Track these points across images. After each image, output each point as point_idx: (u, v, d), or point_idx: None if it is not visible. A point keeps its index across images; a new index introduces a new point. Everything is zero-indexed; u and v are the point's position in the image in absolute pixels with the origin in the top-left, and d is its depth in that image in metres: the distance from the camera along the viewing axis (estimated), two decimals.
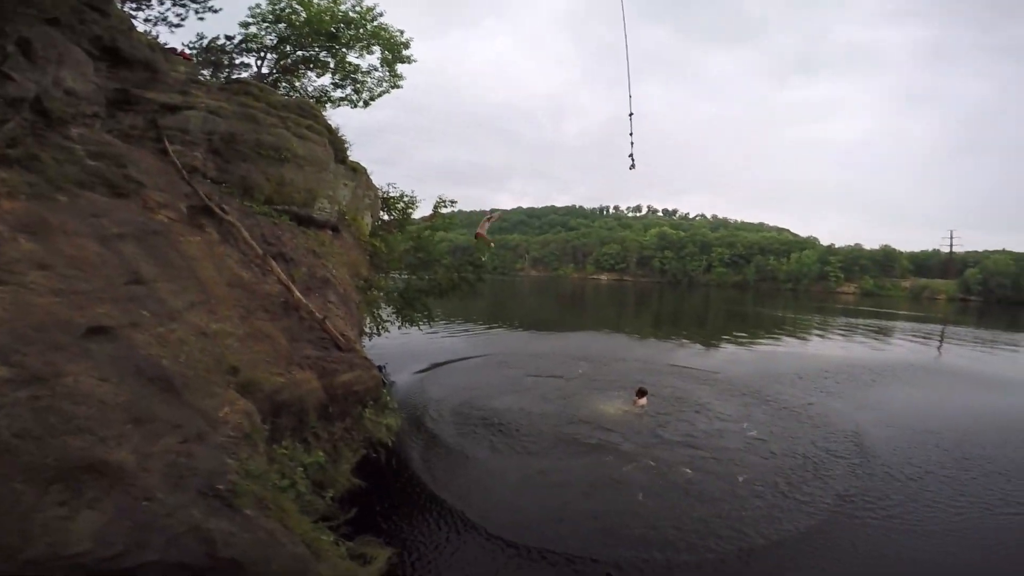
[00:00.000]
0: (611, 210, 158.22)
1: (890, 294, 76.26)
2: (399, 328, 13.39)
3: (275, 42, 13.31)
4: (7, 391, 2.58)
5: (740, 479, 7.47)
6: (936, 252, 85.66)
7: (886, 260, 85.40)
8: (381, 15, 13.54)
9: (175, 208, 5.51)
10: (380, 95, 14.70)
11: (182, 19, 11.58)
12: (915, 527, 6.37)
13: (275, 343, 5.16)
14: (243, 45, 13.21)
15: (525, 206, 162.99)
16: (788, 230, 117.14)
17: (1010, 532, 6.39)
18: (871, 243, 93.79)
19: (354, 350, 6.23)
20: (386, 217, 13.66)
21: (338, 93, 14.37)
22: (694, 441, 8.99)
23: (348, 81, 14.22)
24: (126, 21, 6.76)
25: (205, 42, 13.02)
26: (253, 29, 13.04)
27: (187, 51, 11.50)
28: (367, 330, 11.26)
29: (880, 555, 5.74)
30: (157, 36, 10.20)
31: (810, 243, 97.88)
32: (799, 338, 26.17)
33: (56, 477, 2.45)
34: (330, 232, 8.89)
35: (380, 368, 8.13)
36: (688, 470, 7.73)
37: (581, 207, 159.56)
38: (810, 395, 12.74)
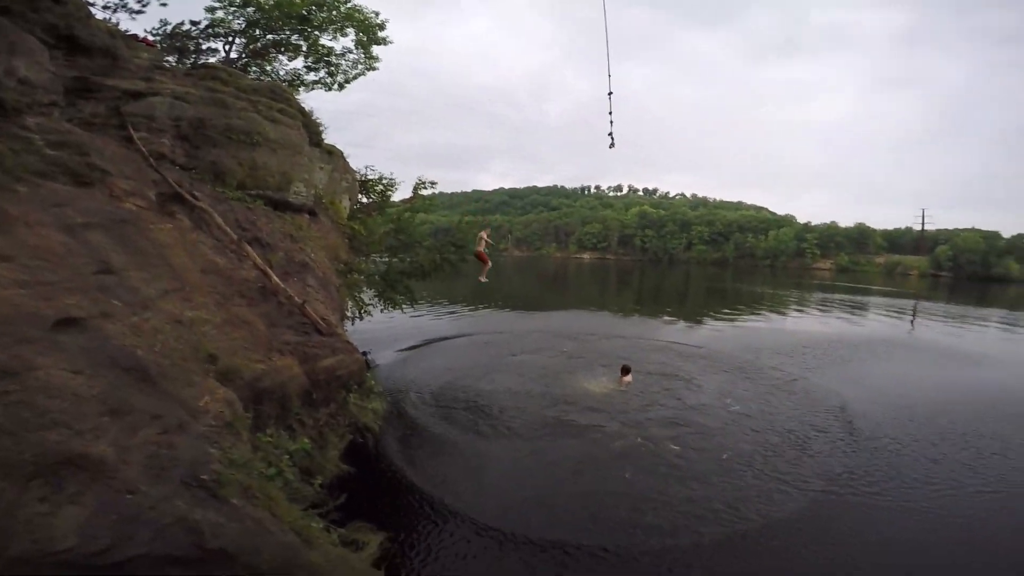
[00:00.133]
0: (592, 190, 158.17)
1: (864, 270, 78.20)
2: (381, 311, 13.29)
3: (243, 26, 12.77)
4: None
5: (724, 456, 7.59)
6: (908, 230, 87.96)
7: (861, 237, 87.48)
8: None
9: (143, 196, 5.33)
10: (355, 78, 14.33)
11: (143, 5, 11.02)
12: (896, 505, 6.44)
13: (254, 329, 5.08)
14: (209, 30, 12.65)
15: (507, 187, 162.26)
16: (766, 209, 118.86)
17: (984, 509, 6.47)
18: (846, 221, 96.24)
19: (336, 334, 6.17)
20: (365, 200, 13.47)
21: (311, 76, 13.98)
22: (679, 418, 9.12)
23: (322, 64, 13.80)
24: (83, 8, 6.47)
25: (169, 28, 12.44)
26: (220, 13, 12.47)
27: (150, 38, 11.02)
28: (349, 314, 11.16)
29: (863, 534, 5.82)
30: (117, 23, 9.70)
31: (787, 221, 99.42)
32: (778, 313, 26.76)
33: (35, 473, 2.39)
34: (307, 216, 8.71)
35: (364, 353, 8.05)
36: (675, 447, 7.84)
37: (563, 187, 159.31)
38: (791, 370, 13.04)
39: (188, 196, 5.94)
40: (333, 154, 10.69)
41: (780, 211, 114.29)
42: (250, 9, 12.43)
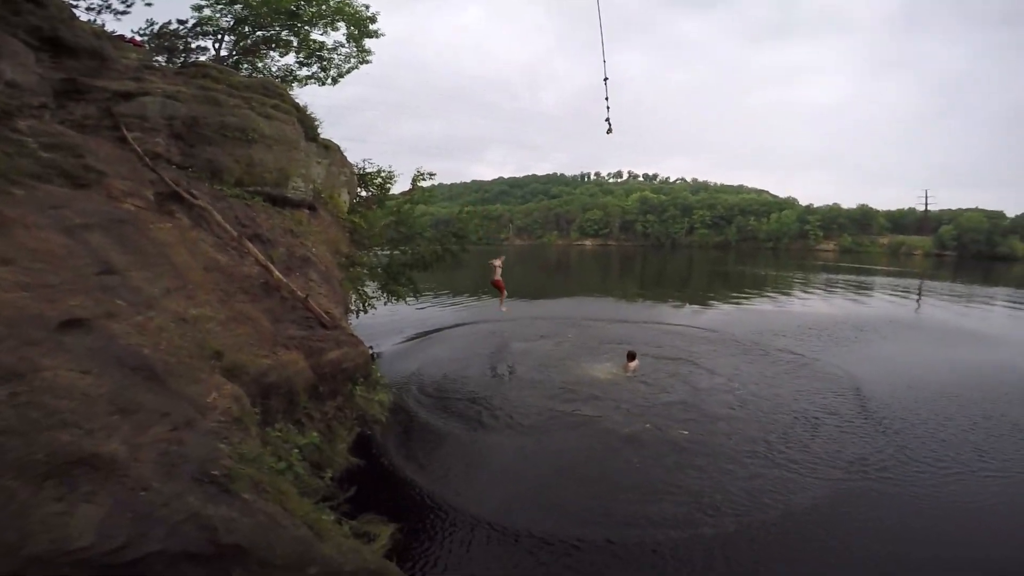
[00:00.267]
0: (592, 177, 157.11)
1: (868, 251, 77.78)
2: (385, 304, 13.32)
3: (232, 23, 12.60)
4: None
5: (734, 442, 7.47)
6: (912, 210, 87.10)
7: (864, 218, 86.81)
8: None
9: (141, 196, 5.33)
10: (348, 71, 14.18)
11: (128, 5, 10.85)
12: (908, 492, 6.28)
13: (258, 325, 5.09)
14: (198, 28, 12.49)
15: (506, 176, 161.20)
16: (767, 191, 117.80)
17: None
18: (848, 203, 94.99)
19: (340, 327, 6.19)
20: (364, 193, 13.42)
21: (304, 71, 13.82)
22: (687, 403, 9.06)
23: (314, 59, 13.64)
24: (66, 10, 6.42)
25: (156, 28, 12.30)
26: (207, 11, 12.30)
27: (137, 38, 10.90)
28: (353, 307, 11.18)
29: (880, 522, 5.64)
30: (103, 25, 9.60)
31: (789, 203, 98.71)
32: (783, 295, 26.71)
33: (48, 473, 2.41)
34: (307, 211, 8.70)
35: (370, 348, 8.05)
36: (684, 431, 7.79)
37: (562, 175, 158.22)
38: (799, 352, 12.98)
39: (186, 195, 5.94)
40: (330, 148, 10.63)
41: (782, 194, 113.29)
42: (238, 6, 12.27)
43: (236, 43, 12.97)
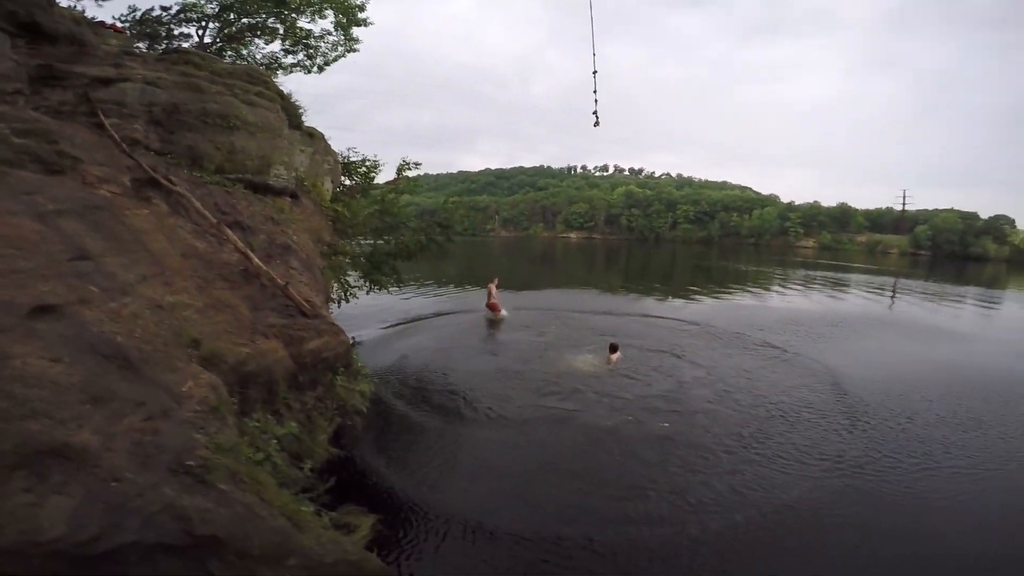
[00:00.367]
0: (579, 170, 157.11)
1: (846, 248, 79.42)
2: (368, 293, 13.22)
3: (217, 10, 12.30)
4: None
5: (715, 436, 7.56)
6: (889, 210, 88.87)
7: (843, 216, 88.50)
8: None
9: (118, 182, 5.21)
10: (335, 60, 13.97)
11: None
12: (880, 489, 6.36)
13: (237, 313, 5.02)
14: (181, 15, 12.17)
15: (493, 167, 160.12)
16: (750, 188, 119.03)
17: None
18: (829, 201, 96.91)
19: (321, 316, 6.13)
20: (348, 182, 13.27)
21: (289, 59, 13.61)
22: (669, 397, 9.17)
23: (300, 47, 13.41)
24: None
25: (138, 14, 11.95)
26: None
27: (118, 24, 10.58)
28: (334, 297, 11.08)
29: (854, 518, 5.69)
30: (83, 11, 9.29)
31: (771, 200, 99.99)
32: (763, 290, 27.19)
33: (18, 464, 2.36)
34: (289, 199, 8.57)
35: (352, 338, 7.98)
36: (665, 423, 7.91)
37: (549, 167, 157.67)
38: (778, 346, 13.25)
39: (164, 181, 5.82)
40: (314, 136, 10.48)
41: (764, 191, 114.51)
42: None
43: (220, 30, 12.69)
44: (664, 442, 7.39)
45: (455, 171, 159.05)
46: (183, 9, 12.09)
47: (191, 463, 2.95)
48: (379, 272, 12.59)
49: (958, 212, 77.06)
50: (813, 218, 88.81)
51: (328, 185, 11.19)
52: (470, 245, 63.60)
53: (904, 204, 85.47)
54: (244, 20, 12.66)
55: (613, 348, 11.30)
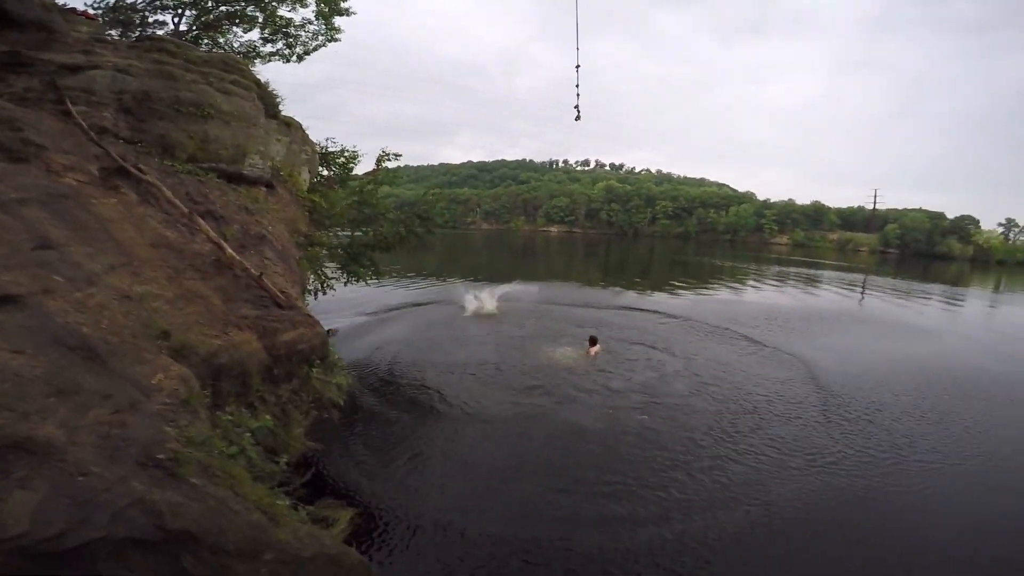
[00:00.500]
0: (560, 164, 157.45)
1: (819, 246, 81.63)
2: (345, 284, 13.07)
3: None
4: None
5: (689, 429, 7.67)
6: (861, 208, 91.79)
7: (816, 214, 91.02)
8: None
9: (84, 170, 5.05)
10: (316, 49, 13.63)
11: None
12: (853, 484, 6.50)
13: (209, 304, 4.92)
14: (156, 2, 11.74)
15: (475, 160, 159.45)
16: (728, 185, 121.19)
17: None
18: (803, 199, 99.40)
19: (296, 307, 6.05)
20: (326, 173, 13.04)
21: (268, 48, 13.22)
22: (647, 389, 9.31)
23: (279, 36, 13.04)
24: None
25: (112, 1, 11.46)
26: None
27: (91, 11, 10.17)
28: (311, 288, 10.91)
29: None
30: None
31: (747, 197, 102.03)
32: (738, 285, 27.77)
33: None
34: (264, 189, 8.40)
35: (328, 330, 7.87)
36: (644, 416, 8.04)
37: (531, 161, 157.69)
38: (753, 339, 13.61)
39: (133, 170, 5.65)
40: (291, 126, 10.28)
41: (741, 188, 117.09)
42: None
43: (197, 18, 12.31)
44: (643, 437, 7.44)
45: (436, 163, 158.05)
46: None
47: (161, 456, 2.89)
48: (357, 264, 12.43)
49: (926, 212, 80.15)
50: (788, 215, 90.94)
51: (305, 175, 10.99)
52: (451, 238, 63.33)
53: (875, 203, 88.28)
54: (222, 8, 12.28)
55: (593, 341, 11.42)
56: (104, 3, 11.38)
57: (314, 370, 5.96)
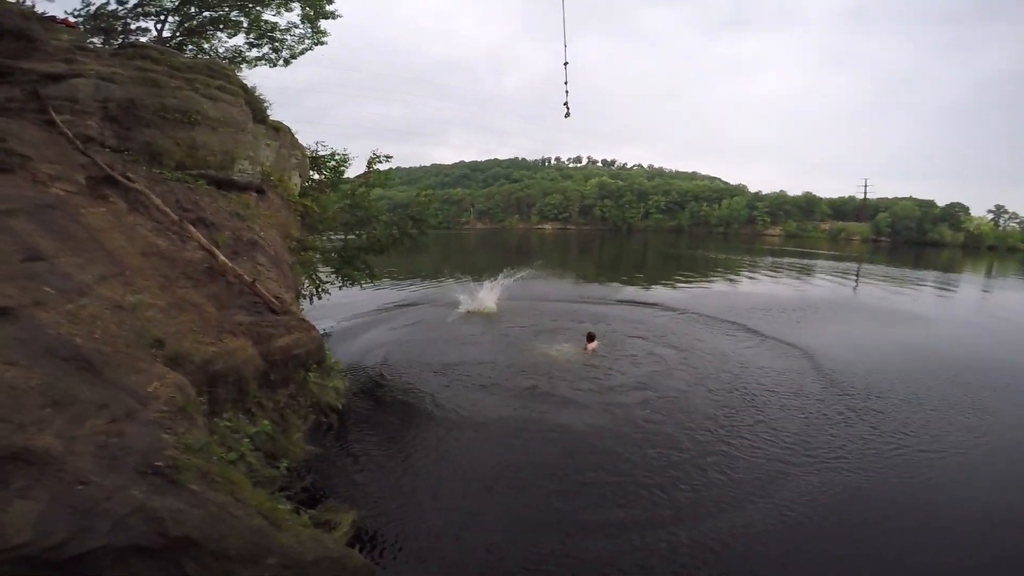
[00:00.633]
0: (553, 161, 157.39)
1: (811, 236, 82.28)
2: (340, 288, 13.04)
3: (176, 3, 11.83)
4: None
5: (689, 427, 7.59)
6: (852, 198, 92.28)
7: (808, 205, 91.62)
8: None
9: (71, 180, 5.04)
10: (302, 53, 13.58)
11: None
12: (846, 478, 6.39)
13: (202, 311, 4.91)
14: (139, 9, 11.64)
15: (468, 160, 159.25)
16: (719, 178, 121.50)
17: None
18: (794, 190, 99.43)
19: (290, 312, 6.05)
20: (317, 177, 13.01)
21: (254, 53, 13.16)
22: (647, 385, 9.27)
23: (265, 40, 12.98)
24: None
25: (93, 8, 11.37)
26: None
27: (71, 19, 10.09)
28: (305, 292, 10.89)
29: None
30: (33, 5, 8.83)
31: (739, 190, 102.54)
32: (733, 277, 27.93)
33: None
34: (254, 194, 8.39)
35: (324, 333, 7.83)
36: (644, 410, 8.00)
37: (524, 159, 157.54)
38: (752, 329, 13.63)
39: (121, 178, 5.63)
40: (280, 130, 10.25)
41: (733, 181, 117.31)
42: None
43: (181, 24, 12.24)
44: (645, 436, 7.34)
45: (428, 164, 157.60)
46: (141, 3, 11.58)
47: (160, 464, 2.89)
48: (351, 267, 12.42)
49: (916, 200, 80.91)
50: (779, 207, 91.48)
51: (296, 179, 10.97)
52: (445, 238, 63.22)
53: (865, 193, 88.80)
54: (206, 13, 12.22)
55: (590, 337, 11.41)
56: (85, 11, 11.29)
57: (311, 374, 5.97)
